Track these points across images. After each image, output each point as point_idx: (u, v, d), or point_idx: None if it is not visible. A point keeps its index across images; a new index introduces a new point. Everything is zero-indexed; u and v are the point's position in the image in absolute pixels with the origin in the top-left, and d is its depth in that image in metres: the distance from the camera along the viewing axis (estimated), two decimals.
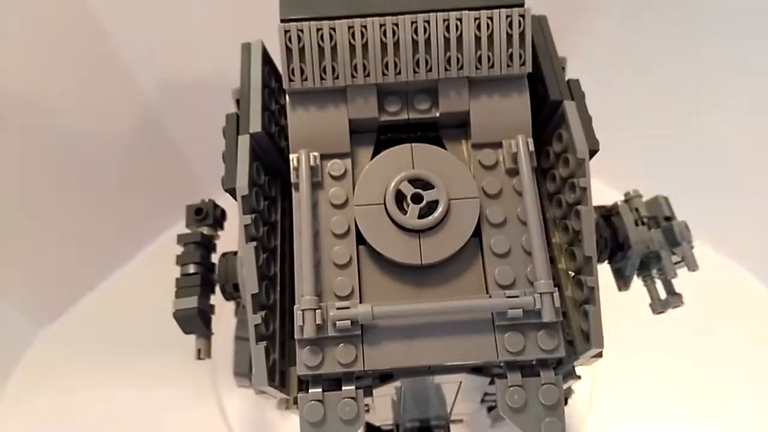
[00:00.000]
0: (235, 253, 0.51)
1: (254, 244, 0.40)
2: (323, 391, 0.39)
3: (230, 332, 0.58)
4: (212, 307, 0.51)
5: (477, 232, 0.41)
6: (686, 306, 0.52)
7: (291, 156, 0.41)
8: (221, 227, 0.55)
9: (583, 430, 0.82)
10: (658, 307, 0.49)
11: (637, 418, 0.82)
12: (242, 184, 0.41)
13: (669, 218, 0.50)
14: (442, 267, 0.40)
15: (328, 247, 0.40)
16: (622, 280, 0.51)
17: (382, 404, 0.50)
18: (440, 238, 0.39)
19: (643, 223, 0.50)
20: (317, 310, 0.37)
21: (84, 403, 0.90)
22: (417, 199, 0.40)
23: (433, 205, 0.40)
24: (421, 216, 0.39)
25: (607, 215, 0.51)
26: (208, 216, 0.53)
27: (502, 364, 0.39)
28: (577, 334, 0.41)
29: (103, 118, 0.97)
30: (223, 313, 0.73)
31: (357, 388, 0.39)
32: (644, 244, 0.48)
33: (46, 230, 0.96)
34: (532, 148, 0.41)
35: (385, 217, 0.40)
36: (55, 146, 0.91)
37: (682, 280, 0.50)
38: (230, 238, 0.54)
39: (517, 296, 0.38)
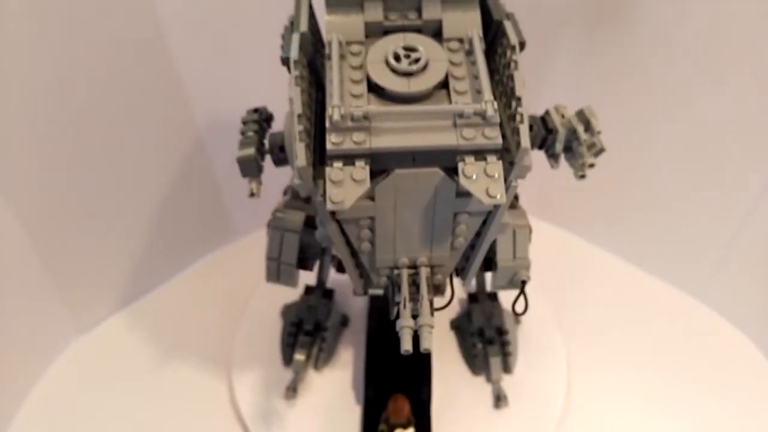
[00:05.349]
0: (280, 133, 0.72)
1: (300, 88, 0.62)
2: (343, 164, 0.58)
3: None
4: (262, 166, 0.71)
5: (446, 86, 0.63)
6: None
7: (326, 37, 0.65)
8: (270, 126, 0.76)
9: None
10: (578, 171, 0.69)
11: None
12: (294, 53, 0.63)
13: None
14: (423, 101, 0.62)
15: (349, 88, 0.62)
16: (553, 159, 0.72)
17: (383, 235, 0.67)
18: (422, 79, 0.62)
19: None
20: (342, 107, 0.58)
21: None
22: (407, 56, 0.62)
23: (418, 60, 0.62)
24: (409, 66, 0.62)
25: (541, 117, 0.73)
26: (262, 114, 0.75)
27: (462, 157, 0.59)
28: (513, 149, 0.61)
29: (151, 142, 1.10)
30: None
31: (365, 164, 0.58)
32: (564, 126, 0.69)
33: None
34: (481, 35, 0.64)
35: (386, 68, 0.62)
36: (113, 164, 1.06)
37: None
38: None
39: (470, 103, 0.59)
